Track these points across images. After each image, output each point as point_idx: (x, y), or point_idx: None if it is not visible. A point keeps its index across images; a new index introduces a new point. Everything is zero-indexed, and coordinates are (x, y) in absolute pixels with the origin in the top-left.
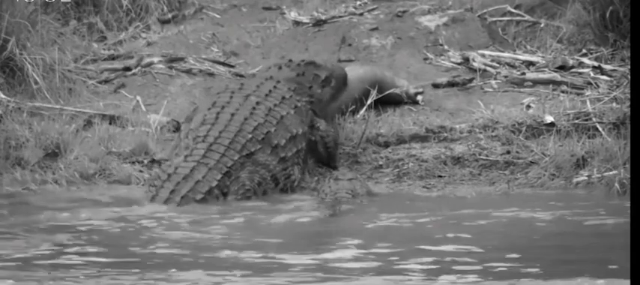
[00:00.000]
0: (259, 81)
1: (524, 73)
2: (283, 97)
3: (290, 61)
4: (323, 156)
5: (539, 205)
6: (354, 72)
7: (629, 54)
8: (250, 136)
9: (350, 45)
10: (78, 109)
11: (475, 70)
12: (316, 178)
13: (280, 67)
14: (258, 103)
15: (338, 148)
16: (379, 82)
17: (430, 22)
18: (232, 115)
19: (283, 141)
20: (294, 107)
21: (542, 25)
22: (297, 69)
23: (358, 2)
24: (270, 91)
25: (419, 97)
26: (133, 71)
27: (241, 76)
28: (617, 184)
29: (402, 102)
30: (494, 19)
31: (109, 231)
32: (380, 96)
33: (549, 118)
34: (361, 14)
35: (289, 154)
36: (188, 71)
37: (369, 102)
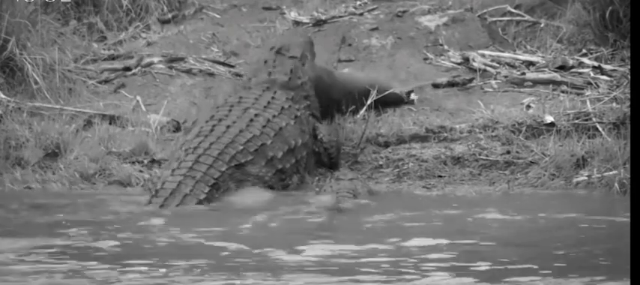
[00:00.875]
0: (257, 93)
1: (524, 73)
2: (282, 108)
3: (265, 62)
4: (326, 163)
5: (539, 205)
6: (351, 77)
7: (629, 54)
8: (241, 147)
9: (350, 45)
10: (78, 109)
11: (475, 70)
12: (317, 178)
13: (270, 73)
14: (256, 114)
15: (340, 154)
16: (375, 87)
17: (430, 22)
18: (228, 127)
19: (280, 153)
20: (295, 117)
21: (542, 25)
22: (285, 69)
23: (358, 2)
24: (268, 102)
25: (412, 96)
26: (133, 71)
27: (241, 76)
28: (617, 184)
29: (402, 102)
30: (494, 19)
31: (104, 231)
32: (380, 95)
33: (549, 118)
34: (361, 14)
35: (287, 165)
36: (188, 71)
37: (368, 102)
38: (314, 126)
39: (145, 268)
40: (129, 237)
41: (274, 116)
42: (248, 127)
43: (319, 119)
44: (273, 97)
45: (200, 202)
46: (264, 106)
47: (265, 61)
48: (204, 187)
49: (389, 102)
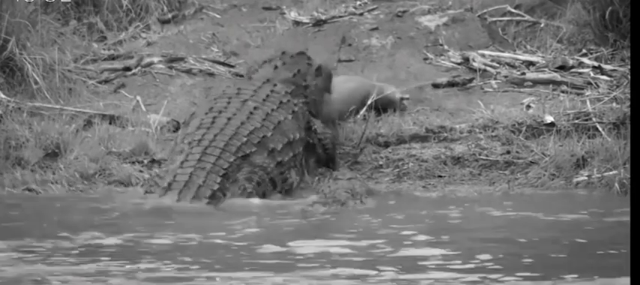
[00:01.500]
0: (257, 84)
1: (524, 73)
2: (281, 102)
3: (283, 53)
4: (322, 158)
5: (539, 205)
6: (345, 85)
7: (629, 54)
8: (245, 139)
9: (350, 45)
10: (78, 109)
11: (475, 70)
12: (316, 178)
13: (276, 67)
14: (255, 107)
15: (336, 150)
16: (369, 93)
17: (430, 22)
18: (229, 119)
19: (280, 145)
20: (292, 112)
21: (542, 25)
22: (292, 68)
23: (358, 2)
24: (267, 95)
25: (405, 102)
26: (133, 71)
27: (241, 76)
28: (617, 184)
29: (396, 106)
30: (494, 19)
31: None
32: (378, 95)
33: (549, 118)
34: (361, 14)
35: (286, 158)
36: (188, 71)
37: (368, 103)
38: (309, 119)
39: (148, 267)
40: (131, 236)
41: (273, 109)
42: (249, 120)
43: (316, 117)
44: (272, 90)
45: (213, 193)
46: (263, 99)
47: (283, 52)
48: (216, 177)
49: (385, 104)
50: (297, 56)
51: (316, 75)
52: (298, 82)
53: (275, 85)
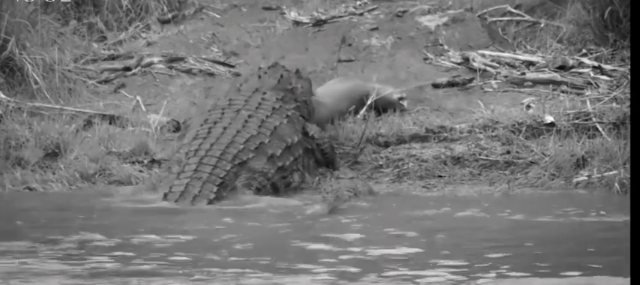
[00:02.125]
0: (247, 94)
1: (524, 73)
2: (273, 108)
3: (259, 68)
4: (322, 161)
5: (539, 205)
6: (340, 86)
7: (629, 54)
8: (242, 146)
9: (350, 45)
10: (78, 109)
11: (475, 70)
12: (317, 178)
13: (260, 76)
14: (250, 115)
15: (335, 152)
16: (365, 95)
17: (430, 22)
18: (225, 128)
19: (279, 151)
20: (286, 117)
21: (542, 25)
22: (275, 74)
23: (358, 2)
24: (259, 103)
25: (403, 102)
26: (133, 71)
27: (238, 74)
28: (617, 184)
29: (396, 107)
30: (494, 19)
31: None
32: (376, 96)
33: (549, 118)
34: (361, 14)
35: (287, 163)
36: (188, 71)
37: (368, 103)
38: (304, 125)
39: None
40: (131, 236)
41: (267, 116)
42: (244, 128)
43: (309, 120)
44: (263, 98)
45: (210, 202)
46: (256, 107)
47: (259, 67)
48: (212, 187)
49: (384, 105)
50: (273, 66)
51: (297, 77)
52: (285, 86)
53: (264, 93)
